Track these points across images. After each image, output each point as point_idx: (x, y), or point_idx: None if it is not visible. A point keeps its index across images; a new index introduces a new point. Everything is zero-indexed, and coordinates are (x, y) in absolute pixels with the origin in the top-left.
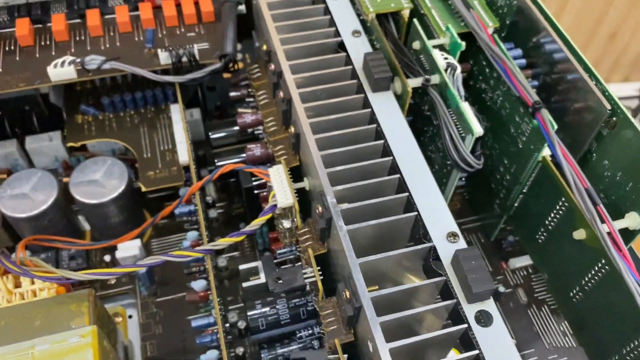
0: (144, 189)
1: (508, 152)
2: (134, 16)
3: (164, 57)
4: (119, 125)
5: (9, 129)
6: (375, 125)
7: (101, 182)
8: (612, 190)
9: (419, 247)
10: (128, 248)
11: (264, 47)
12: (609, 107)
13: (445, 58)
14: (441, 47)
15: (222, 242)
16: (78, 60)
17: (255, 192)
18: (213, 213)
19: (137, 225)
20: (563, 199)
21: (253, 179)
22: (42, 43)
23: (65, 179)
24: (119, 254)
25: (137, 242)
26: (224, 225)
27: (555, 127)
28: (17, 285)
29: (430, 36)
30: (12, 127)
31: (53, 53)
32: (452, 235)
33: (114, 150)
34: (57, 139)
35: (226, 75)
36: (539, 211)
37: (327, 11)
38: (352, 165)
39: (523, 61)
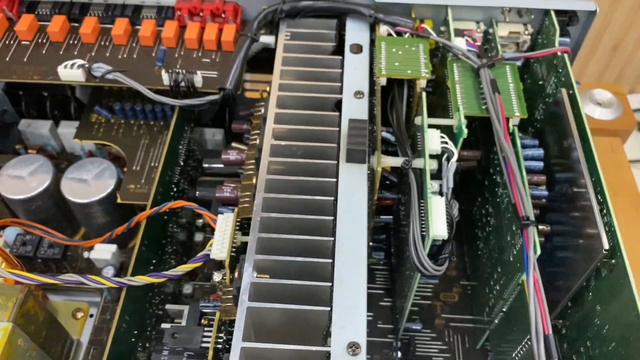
0: (119, 200)
1: (502, 260)
2: (159, 32)
3: (166, 78)
4: (125, 132)
5: (49, 110)
6: (332, 198)
7: (90, 183)
8: (596, 342)
9: (312, 348)
10: (102, 251)
11: (267, 89)
12: (606, 246)
13: (445, 142)
14: (449, 129)
15: (140, 279)
16: (86, 65)
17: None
18: (199, 237)
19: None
20: (528, 337)
21: None
22: (71, 42)
23: None
24: (92, 255)
25: (112, 248)
26: None
27: (538, 252)
28: None
29: (447, 114)
30: (53, 109)
31: (75, 53)
32: (354, 346)
33: None
34: None
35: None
36: (510, 338)
37: (342, 64)
38: (288, 236)
39: (540, 164)
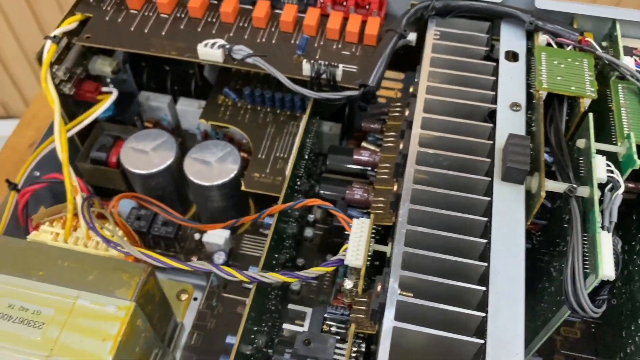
0: (242, 187)
1: None
2: (300, 18)
3: (307, 68)
4: (251, 117)
5: (170, 85)
6: (486, 219)
7: (213, 166)
8: None
9: None
10: (215, 236)
11: (411, 89)
12: None
13: (610, 171)
14: (613, 156)
15: (272, 276)
16: (227, 46)
17: (345, 233)
18: (309, 232)
19: (237, 214)
20: None
21: None
22: (209, 19)
23: None
24: (205, 238)
25: (226, 233)
26: (317, 247)
27: None
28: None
29: (609, 139)
30: (173, 84)
31: (214, 32)
32: None
33: None
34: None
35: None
36: None
37: (495, 72)
38: (436, 254)
39: None
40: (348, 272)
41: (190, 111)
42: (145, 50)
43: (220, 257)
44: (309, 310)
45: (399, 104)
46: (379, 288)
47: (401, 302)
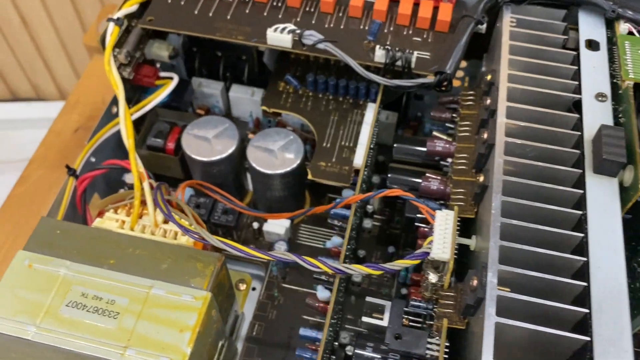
0: (309, 176)
1: None
2: (368, 3)
3: (380, 55)
4: (314, 105)
5: (222, 71)
6: (580, 212)
7: (276, 154)
8: None
9: None
10: (276, 225)
11: (488, 77)
12: None
13: None
14: None
15: (357, 268)
16: (298, 31)
17: (416, 224)
18: (368, 223)
19: (295, 204)
20: None
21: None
22: (274, 3)
23: (251, 136)
24: (266, 227)
25: (287, 223)
26: (375, 239)
27: None
28: (165, 221)
29: None
30: (225, 71)
31: (280, 16)
32: None
33: (302, 125)
34: (259, 96)
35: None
36: None
37: (576, 61)
38: (532, 248)
39: None
40: (424, 266)
41: (243, 98)
42: (211, 34)
43: (281, 247)
44: (387, 304)
45: (471, 92)
46: (474, 282)
47: (501, 297)
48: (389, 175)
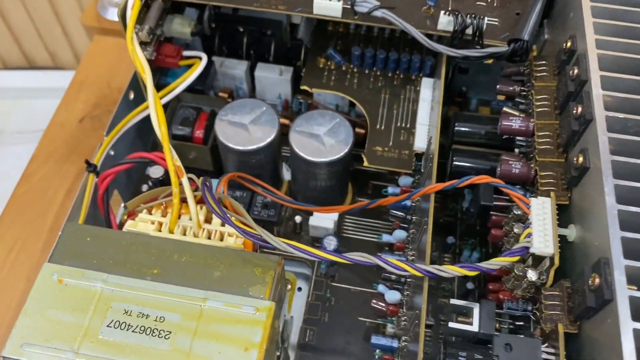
0: (366, 163)
1: None
2: None
3: (445, 22)
4: (360, 82)
5: (245, 49)
6: None
7: (322, 140)
8: None
9: None
10: (324, 219)
11: (567, 44)
12: None
13: None
14: None
15: (451, 270)
16: None
17: (491, 213)
18: None
19: (337, 194)
20: None
21: (495, 196)
22: None
23: (282, 120)
24: (312, 221)
25: (334, 216)
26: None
27: None
28: (207, 220)
29: None
30: (248, 48)
31: None
32: None
33: (337, 105)
34: (288, 75)
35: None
36: None
37: None
38: None
39: None
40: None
41: (270, 78)
42: (248, 5)
43: (331, 243)
44: (475, 306)
45: (543, 62)
46: (596, 281)
47: (633, 297)
48: (454, 158)
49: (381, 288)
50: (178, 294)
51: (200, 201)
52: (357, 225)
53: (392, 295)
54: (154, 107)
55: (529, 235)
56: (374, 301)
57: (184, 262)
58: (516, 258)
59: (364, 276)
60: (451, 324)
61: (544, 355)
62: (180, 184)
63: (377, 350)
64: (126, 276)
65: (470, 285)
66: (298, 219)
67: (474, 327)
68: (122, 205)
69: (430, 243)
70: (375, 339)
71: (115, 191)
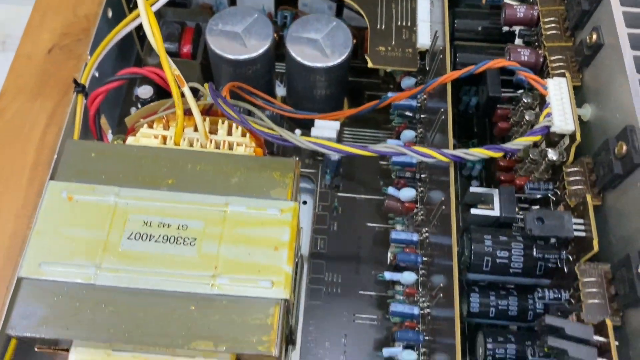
0: (370, 64)
1: None
2: None
3: None
4: None
5: None
6: None
7: (321, 45)
8: None
9: None
10: (326, 127)
11: None
12: None
13: None
14: None
15: (477, 152)
16: None
17: (498, 106)
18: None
19: (336, 104)
20: None
21: (503, 89)
22: None
23: None
24: (314, 132)
25: (336, 125)
26: None
27: None
28: (213, 131)
29: None
30: None
31: None
32: None
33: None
34: None
35: None
36: None
37: None
38: None
39: None
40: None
41: None
42: None
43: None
44: (494, 192)
45: None
46: (622, 149)
47: None
48: (457, 54)
49: (391, 190)
50: (198, 201)
51: (203, 112)
52: (357, 136)
53: (408, 193)
54: (145, 15)
55: (549, 115)
56: (387, 201)
57: (199, 171)
58: (538, 137)
59: (368, 184)
60: (473, 211)
61: (575, 226)
62: (182, 95)
63: (393, 247)
64: (140, 188)
65: (475, 185)
66: (298, 132)
67: (496, 212)
68: (110, 132)
69: (451, 130)
70: (395, 234)
71: (102, 117)
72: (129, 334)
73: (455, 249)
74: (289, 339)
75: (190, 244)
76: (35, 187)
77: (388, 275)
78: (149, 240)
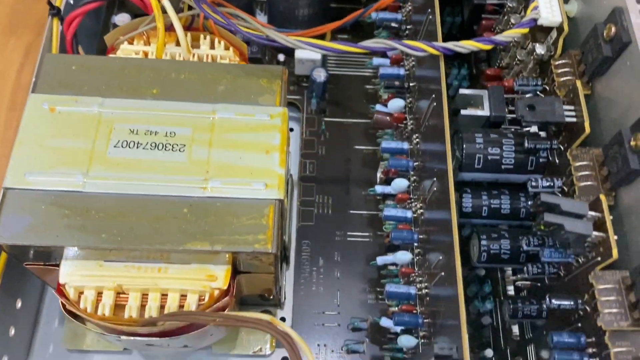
0: None
1: None
2: None
3: None
4: None
5: None
6: None
7: None
8: None
9: None
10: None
11: None
12: None
13: None
14: None
15: (467, 45)
16: None
17: (483, 16)
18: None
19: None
20: None
21: None
22: None
23: None
24: (299, 54)
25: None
26: None
27: None
28: (194, 47)
29: None
30: None
31: None
32: None
33: None
34: None
35: None
36: None
37: None
38: None
39: None
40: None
41: None
42: None
43: (320, 74)
44: (483, 92)
45: None
46: (610, 31)
47: None
48: None
49: (378, 107)
50: (185, 109)
51: (184, 28)
52: (342, 62)
53: (395, 103)
54: None
55: (535, 8)
56: (376, 115)
57: (183, 79)
58: (526, 30)
59: (355, 108)
60: (463, 112)
61: (566, 112)
62: (164, 11)
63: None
64: (124, 98)
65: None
66: (281, 57)
67: (486, 112)
68: None
69: (440, 21)
70: (385, 144)
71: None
72: (121, 238)
73: (449, 147)
74: (283, 256)
75: (179, 150)
76: (13, 128)
77: (379, 189)
78: (137, 147)
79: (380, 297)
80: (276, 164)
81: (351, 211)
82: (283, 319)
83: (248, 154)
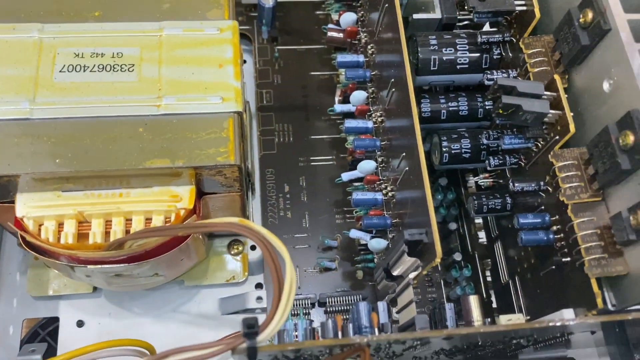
0: None
1: None
2: None
3: None
4: None
5: None
6: None
7: None
8: None
9: None
10: None
11: None
12: None
13: None
14: None
15: None
16: None
17: None
18: None
19: None
20: None
21: None
22: None
23: None
24: None
25: None
26: None
27: None
28: None
29: None
30: None
31: None
32: None
33: None
34: None
35: None
36: None
37: None
38: None
39: None
40: None
41: None
42: None
43: (268, 0)
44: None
45: None
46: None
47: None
48: None
49: (330, 26)
50: (130, 29)
51: None
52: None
53: (347, 17)
54: None
55: None
56: (329, 32)
57: (127, 0)
58: None
59: (307, 35)
60: (415, 15)
61: (516, 2)
62: None
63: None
64: (65, 23)
65: None
66: None
67: (437, 14)
68: None
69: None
70: (341, 58)
71: None
72: (77, 162)
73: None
74: (248, 183)
75: (128, 70)
76: None
77: (338, 107)
78: (84, 70)
79: (348, 216)
80: (231, 77)
81: (312, 136)
82: (254, 247)
83: (200, 69)
